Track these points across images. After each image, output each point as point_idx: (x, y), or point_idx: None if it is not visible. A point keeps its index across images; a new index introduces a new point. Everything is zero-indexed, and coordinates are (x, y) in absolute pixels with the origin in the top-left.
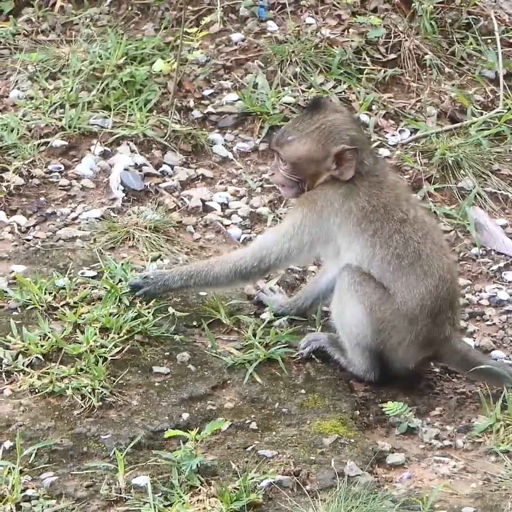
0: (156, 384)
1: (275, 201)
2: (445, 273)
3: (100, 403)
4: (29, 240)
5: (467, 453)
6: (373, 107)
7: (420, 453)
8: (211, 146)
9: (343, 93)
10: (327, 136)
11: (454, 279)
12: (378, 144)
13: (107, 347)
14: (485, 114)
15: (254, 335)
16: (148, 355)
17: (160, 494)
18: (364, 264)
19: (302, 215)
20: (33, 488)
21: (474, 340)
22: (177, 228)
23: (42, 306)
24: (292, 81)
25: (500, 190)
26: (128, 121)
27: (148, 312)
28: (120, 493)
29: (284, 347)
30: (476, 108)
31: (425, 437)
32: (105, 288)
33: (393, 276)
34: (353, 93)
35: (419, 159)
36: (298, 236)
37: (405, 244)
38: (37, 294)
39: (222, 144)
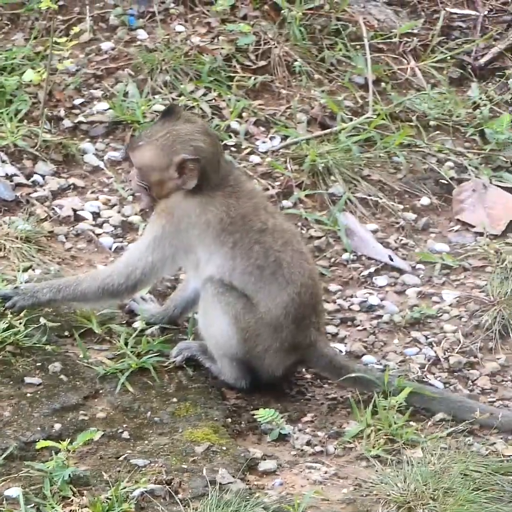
0: (28, 395)
1: (147, 210)
2: (306, 279)
3: None
4: None
5: (338, 458)
6: (244, 114)
7: (292, 460)
8: (82, 156)
9: (213, 100)
10: (171, 144)
11: (315, 284)
12: (249, 151)
13: None
14: (355, 119)
15: (126, 344)
16: (20, 366)
17: (32, 505)
18: (226, 275)
19: (161, 228)
20: None
21: (345, 345)
22: (49, 238)
23: None
24: (163, 89)
25: (370, 196)
26: None
27: (20, 323)
28: None
29: (156, 356)
30: (346, 114)
31: (297, 443)
32: None
33: (255, 287)
34: (224, 100)
35: (290, 166)
36: (160, 249)
37: (265, 254)
38: None
39: (93, 153)
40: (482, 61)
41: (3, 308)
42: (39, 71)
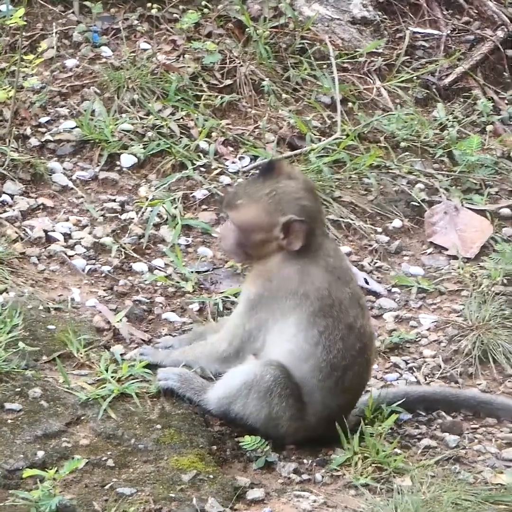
0: (9, 421)
1: (118, 231)
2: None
3: None
4: None
5: (326, 487)
6: (213, 134)
7: (280, 488)
8: (50, 175)
9: (181, 119)
10: (276, 204)
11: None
12: (218, 172)
13: None
14: (324, 140)
15: (107, 369)
16: None
17: None
18: (295, 362)
19: (258, 296)
20: None
21: None
22: (21, 260)
23: None
24: (130, 108)
25: (342, 218)
26: None
27: None
28: None
29: (138, 381)
30: (314, 134)
31: (284, 471)
32: None
33: (316, 387)
34: (191, 119)
35: None
36: (256, 317)
37: (343, 356)
38: None
39: (62, 173)
40: (447, 81)
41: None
42: (4, 89)
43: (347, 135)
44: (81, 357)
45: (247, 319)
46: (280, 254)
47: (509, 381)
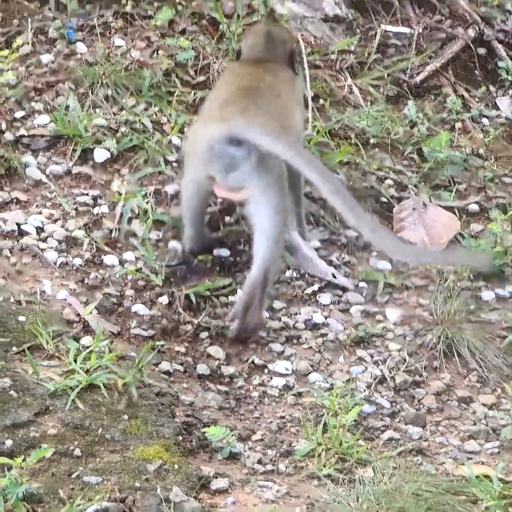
0: None
1: (90, 225)
2: None
3: None
4: None
5: (289, 477)
6: (185, 129)
7: (244, 478)
8: (24, 169)
9: (154, 115)
10: None
11: None
12: None
13: None
14: None
15: (75, 360)
16: None
17: None
18: None
19: None
20: None
21: (291, 364)
22: None
23: None
24: (104, 103)
25: (312, 214)
26: None
27: None
28: None
29: (106, 372)
30: None
31: (248, 462)
32: None
33: None
34: (165, 115)
35: None
36: None
37: None
38: None
39: (36, 167)
40: (418, 79)
41: None
42: None
43: (318, 132)
44: (51, 349)
45: None
46: None
47: (473, 375)
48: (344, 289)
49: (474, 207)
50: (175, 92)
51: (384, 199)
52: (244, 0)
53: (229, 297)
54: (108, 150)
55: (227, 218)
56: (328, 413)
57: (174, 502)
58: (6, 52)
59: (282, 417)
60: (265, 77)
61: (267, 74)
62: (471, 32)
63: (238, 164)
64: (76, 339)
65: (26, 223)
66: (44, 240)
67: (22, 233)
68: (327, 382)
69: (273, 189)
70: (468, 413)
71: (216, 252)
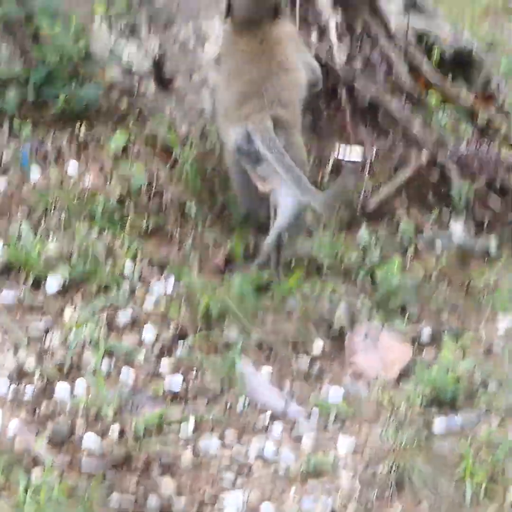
0: None
1: (42, 354)
2: None
3: None
4: None
5: None
6: (138, 257)
7: None
8: None
9: (108, 241)
10: None
11: None
12: (143, 294)
13: None
14: (247, 263)
15: (26, 492)
16: None
17: None
18: None
19: None
20: None
21: (243, 495)
22: None
23: None
24: (57, 230)
25: (264, 340)
26: None
27: None
28: None
29: (56, 505)
30: (239, 257)
31: None
32: None
33: None
34: (118, 241)
35: (184, 310)
36: None
37: None
38: None
39: None
40: (371, 203)
41: None
42: None
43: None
44: (1, 481)
45: None
46: None
47: (424, 506)
48: (296, 418)
49: (426, 333)
50: (128, 217)
51: (336, 326)
52: (198, 124)
53: (181, 425)
54: (61, 277)
55: None
56: None
57: None
58: None
59: None
60: (271, 50)
61: (271, 45)
62: (425, 156)
63: (263, 158)
64: (27, 470)
65: None
66: None
67: None
68: None
69: None
70: None
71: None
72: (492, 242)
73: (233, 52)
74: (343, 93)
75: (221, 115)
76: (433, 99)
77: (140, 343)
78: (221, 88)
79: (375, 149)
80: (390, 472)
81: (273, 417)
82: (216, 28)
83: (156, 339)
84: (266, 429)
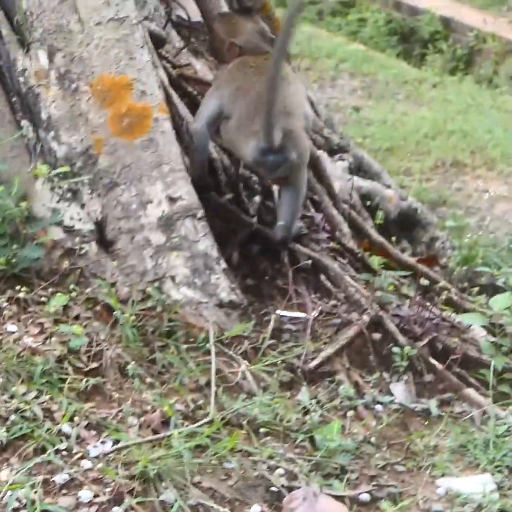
0: None
1: None
2: None
3: None
4: None
5: None
6: (75, 417)
7: None
8: None
9: (45, 403)
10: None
11: None
12: (80, 456)
13: None
14: (187, 424)
15: None
16: None
17: None
18: None
19: None
20: None
21: None
22: None
23: None
24: None
25: (201, 503)
26: None
27: None
28: None
29: None
30: (178, 418)
31: None
32: None
33: None
34: (56, 403)
35: (121, 471)
36: None
37: None
38: None
39: None
40: (312, 364)
41: None
42: None
43: (212, 421)
44: None
45: None
46: None
47: None
48: None
49: (365, 497)
50: (67, 379)
51: (274, 489)
52: (139, 285)
53: None
54: None
55: None
56: None
57: None
58: None
59: None
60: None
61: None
62: (366, 317)
63: (279, 165)
64: None
65: None
66: None
67: None
68: None
69: (304, 172)
70: None
71: None
72: (433, 403)
73: (239, 71)
74: (284, 254)
75: (235, 129)
76: (376, 260)
77: (77, 504)
78: (231, 105)
79: (317, 310)
80: None
81: None
82: (158, 192)
83: (92, 502)
84: None
